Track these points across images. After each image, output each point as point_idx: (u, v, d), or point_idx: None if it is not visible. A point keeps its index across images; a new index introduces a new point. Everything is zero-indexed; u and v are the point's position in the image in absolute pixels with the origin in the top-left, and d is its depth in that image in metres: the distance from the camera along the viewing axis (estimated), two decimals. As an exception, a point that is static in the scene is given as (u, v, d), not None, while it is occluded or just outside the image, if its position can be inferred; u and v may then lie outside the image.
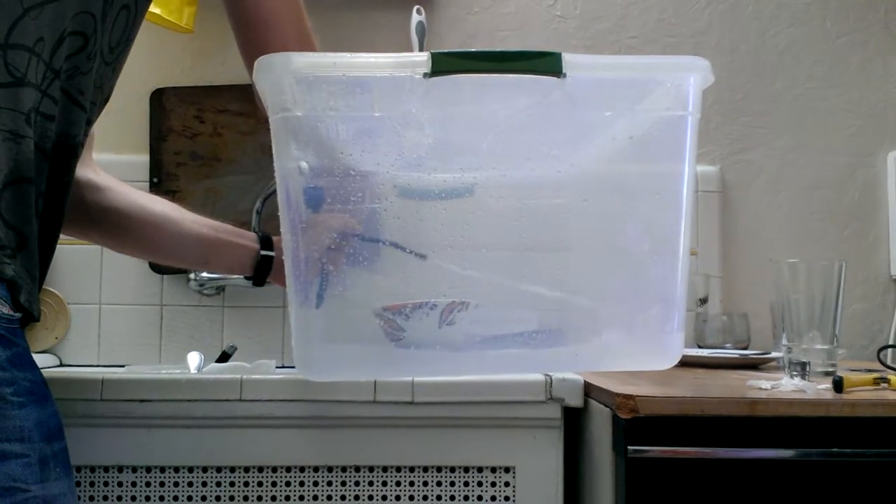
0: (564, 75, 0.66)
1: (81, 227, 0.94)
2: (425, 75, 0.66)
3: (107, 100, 0.84)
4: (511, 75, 0.66)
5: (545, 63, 0.65)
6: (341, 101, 0.68)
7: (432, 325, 0.72)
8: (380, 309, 0.72)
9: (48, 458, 0.68)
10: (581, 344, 0.73)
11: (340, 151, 0.69)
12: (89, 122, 0.80)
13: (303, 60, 0.67)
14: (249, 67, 0.87)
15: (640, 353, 0.74)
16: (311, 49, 0.86)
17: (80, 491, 0.98)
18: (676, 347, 0.74)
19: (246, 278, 0.98)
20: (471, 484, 0.99)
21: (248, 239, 0.98)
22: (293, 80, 0.67)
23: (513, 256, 0.74)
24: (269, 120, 0.71)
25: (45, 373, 1.06)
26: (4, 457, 0.65)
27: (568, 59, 0.66)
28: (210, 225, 0.96)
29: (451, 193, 0.73)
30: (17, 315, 0.69)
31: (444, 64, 0.65)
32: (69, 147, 0.77)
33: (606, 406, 0.92)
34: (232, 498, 0.98)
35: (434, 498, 0.99)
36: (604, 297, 0.73)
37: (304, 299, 0.71)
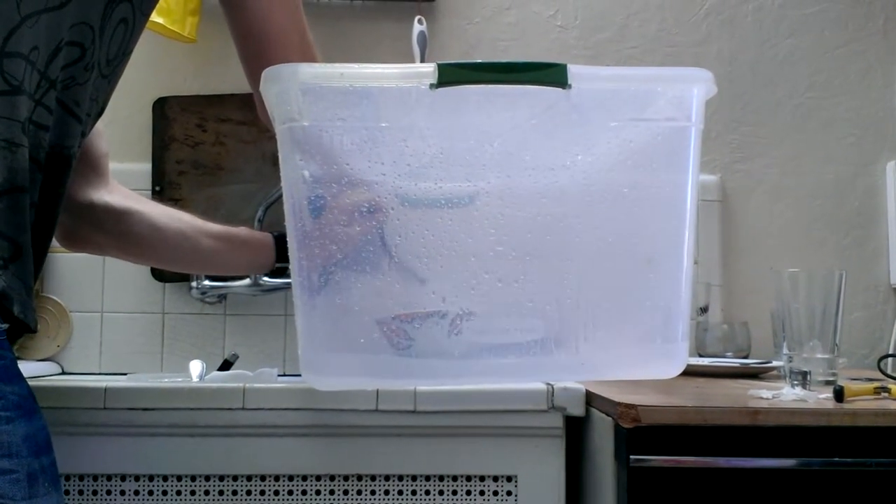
0: (570, 86, 0.66)
1: (100, 248, 0.98)
2: (432, 86, 0.66)
3: (101, 112, 0.84)
4: (516, 86, 0.67)
5: (551, 74, 0.66)
6: (347, 112, 0.68)
7: (441, 335, 0.72)
8: (388, 318, 0.72)
9: (37, 473, 0.67)
10: (586, 353, 0.74)
11: (346, 162, 0.70)
12: (83, 134, 0.80)
13: (310, 71, 0.67)
14: (251, 80, 0.87)
15: (646, 361, 0.74)
16: (314, 61, 0.86)
17: (82, 500, 0.98)
18: (681, 356, 0.74)
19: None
20: (473, 493, 0.99)
21: (263, 244, 0.99)
22: (300, 90, 0.67)
23: (517, 265, 0.74)
24: (276, 130, 0.71)
25: (47, 381, 1.06)
26: None
27: (573, 70, 0.66)
28: (224, 236, 0.99)
29: (453, 202, 0.73)
30: (4, 327, 0.68)
31: (451, 75, 0.65)
32: (63, 158, 0.76)
33: (608, 415, 0.92)
34: (234, 507, 0.98)
35: (436, 507, 0.99)
36: (608, 306, 0.74)
37: (310, 309, 0.71)
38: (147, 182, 1.46)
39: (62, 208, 0.79)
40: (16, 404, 0.67)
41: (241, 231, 1.02)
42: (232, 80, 1.49)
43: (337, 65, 0.67)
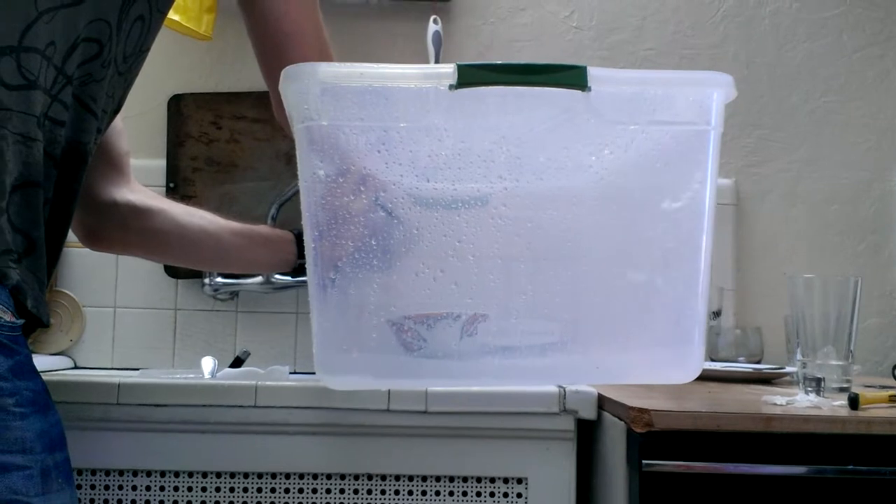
0: (589, 89, 0.66)
1: (125, 248, 0.99)
2: (451, 87, 0.66)
3: (118, 109, 0.84)
4: (535, 88, 0.67)
5: (571, 76, 0.65)
6: (365, 112, 0.68)
7: (454, 336, 0.72)
8: (401, 318, 0.72)
9: (50, 469, 0.67)
10: (602, 356, 0.73)
11: (363, 162, 0.70)
12: (99, 130, 0.80)
13: (330, 70, 0.67)
14: (268, 79, 0.87)
15: (661, 366, 0.74)
16: (331, 60, 0.86)
17: (95, 494, 0.98)
18: (697, 361, 0.74)
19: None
20: (483, 494, 0.99)
21: (285, 241, 1.00)
22: (319, 89, 0.67)
23: (532, 267, 0.74)
24: (294, 129, 0.71)
25: (60, 375, 1.07)
26: (6, 469, 0.64)
27: (593, 72, 0.66)
28: (247, 233, 0.99)
29: (469, 203, 0.73)
30: (20, 322, 0.68)
31: (471, 76, 0.65)
32: (79, 154, 0.77)
33: (620, 419, 0.92)
34: (245, 503, 0.98)
35: (446, 508, 0.99)
36: (623, 309, 0.73)
37: (325, 308, 0.71)
38: (161, 178, 1.46)
39: (81, 207, 0.79)
40: (30, 400, 0.67)
41: (263, 229, 1.03)
42: (247, 77, 1.49)
43: (356, 64, 0.67)
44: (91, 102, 0.77)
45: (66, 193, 0.77)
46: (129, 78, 0.83)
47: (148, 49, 0.83)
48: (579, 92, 0.67)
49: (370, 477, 0.99)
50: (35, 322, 0.71)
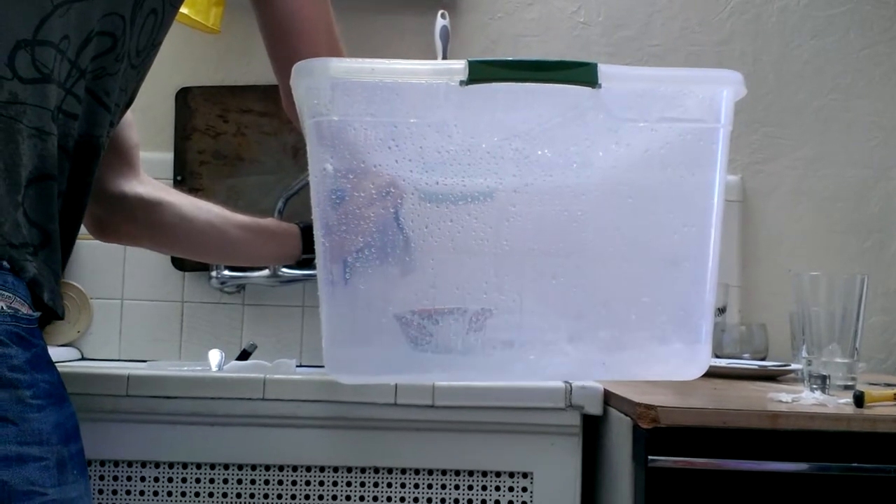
0: (599, 86, 0.66)
1: (134, 240, 1.00)
2: (462, 83, 0.66)
3: (130, 102, 0.85)
4: (545, 84, 0.67)
5: (581, 73, 0.66)
6: (375, 107, 0.69)
7: (460, 331, 0.72)
8: (408, 313, 0.73)
9: (66, 460, 0.68)
10: (608, 353, 0.74)
11: (373, 158, 0.70)
12: (112, 124, 0.80)
13: (342, 66, 0.67)
14: (279, 73, 0.87)
15: (668, 362, 0.74)
16: (341, 55, 0.87)
17: (103, 485, 0.99)
18: (704, 358, 0.74)
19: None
20: (489, 488, 1.00)
21: (290, 235, 1.00)
22: (330, 85, 0.67)
23: (539, 263, 0.74)
24: (303, 124, 0.72)
25: (69, 367, 1.07)
26: (23, 460, 0.65)
27: (603, 69, 0.66)
28: (252, 227, 1.00)
29: (478, 199, 0.73)
30: (37, 315, 0.69)
31: (482, 72, 0.65)
32: (92, 147, 0.77)
33: (627, 415, 0.93)
34: (252, 496, 0.99)
35: (452, 501, 0.99)
36: (630, 305, 0.74)
37: (334, 303, 0.71)
38: (169, 171, 1.47)
39: (91, 198, 0.80)
40: (47, 392, 0.68)
41: (269, 222, 1.03)
42: (254, 71, 1.50)
43: (367, 60, 0.67)
44: (104, 96, 0.77)
45: (79, 186, 0.77)
46: (142, 72, 0.83)
47: (160, 43, 0.84)
48: (589, 89, 0.67)
49: (377, 470, 0.99)
50: (50, 314, 0.72)
